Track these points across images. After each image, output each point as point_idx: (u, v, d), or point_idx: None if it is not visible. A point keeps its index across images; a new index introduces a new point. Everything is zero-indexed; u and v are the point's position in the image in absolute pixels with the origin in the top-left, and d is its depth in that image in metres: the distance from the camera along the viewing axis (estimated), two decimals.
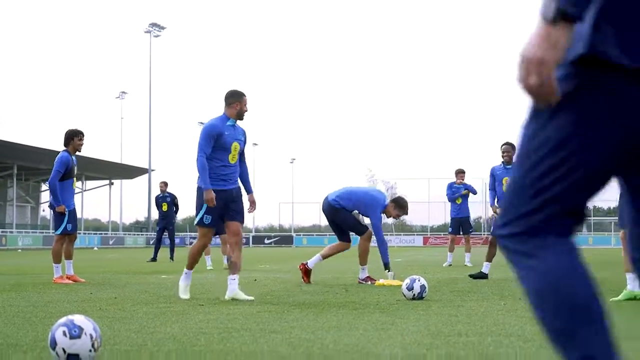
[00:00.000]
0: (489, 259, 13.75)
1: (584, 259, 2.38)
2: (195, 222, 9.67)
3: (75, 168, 12.99)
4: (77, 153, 12.96)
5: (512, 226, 2.36)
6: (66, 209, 12.90)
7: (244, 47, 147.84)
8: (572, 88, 2.17)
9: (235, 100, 9.22)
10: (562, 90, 2.16)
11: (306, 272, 12.35)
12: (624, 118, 2.18)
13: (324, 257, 12.62)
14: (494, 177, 14.18)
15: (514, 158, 2.43)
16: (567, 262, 2.30)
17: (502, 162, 14.05)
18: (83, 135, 12.90)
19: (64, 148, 12.85)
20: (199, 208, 9.43)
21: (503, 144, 14.12)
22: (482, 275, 13.49)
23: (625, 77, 2.13)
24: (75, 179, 13.05)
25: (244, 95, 9.27)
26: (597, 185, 2.34)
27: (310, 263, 12.49)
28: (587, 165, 2.25)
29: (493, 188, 14.27)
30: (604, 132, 2.20)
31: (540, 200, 2.30)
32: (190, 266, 9.85)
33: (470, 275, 13.62)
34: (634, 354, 4.97)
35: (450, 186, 20.64)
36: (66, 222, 12.96)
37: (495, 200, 14.38)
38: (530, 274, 2.32)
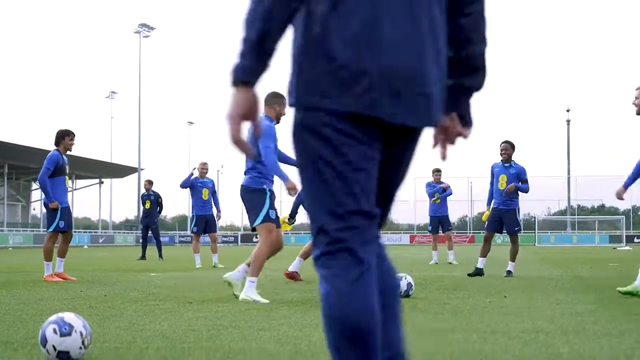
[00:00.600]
0: (484, 254, 13.98)
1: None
2: (258, 221, 9.08)
3: (67, 167, 13.05)
4: (68, 152, 13.03)
5: None
6: (59, 206, 12.93)
7: (233, 47, 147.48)
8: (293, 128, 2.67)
9: (277, 102, 9.13)
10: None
11: (292, 276, 12.39)
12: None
13: (304, 256, 12.60)
14: (493, 174, 14.28)
15: None
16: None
17: (501, 160, 14.15)
18: (74, 136, 13.01)
19: (55, 147, 12.95)
20: (257, 207, 9.10)
21: (502, 142, 14.28)
22: (478, 272, 13.70)
23: (324, 117, 2.57)
24: (67, 177, 13.09)
25: (285, 98, 9.15)
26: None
27: (292, 268, 12.52)
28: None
29: (492, 184, 14.34)
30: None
31: None
32: (257, 272, 9.05)
33: (469, 274, 13.73)
34: (610, 350, 5.06)
35: (429, 184, 20.96)
36: (58, 219, 12.95)
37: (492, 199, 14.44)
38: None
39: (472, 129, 2.90)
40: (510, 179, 14.02)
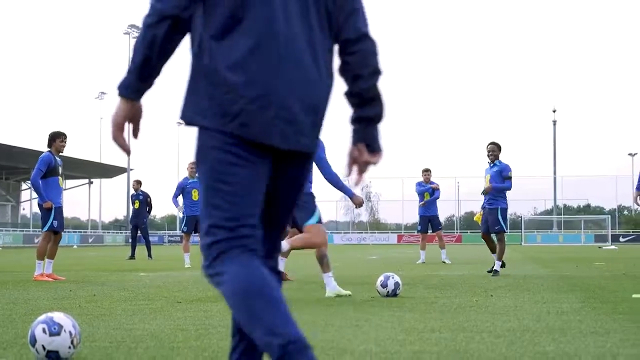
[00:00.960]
0: (492, 251, 14.42)
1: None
2: (313, 220, 9.44)
3: (60, 167, 13.17)
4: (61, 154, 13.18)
5: None
6: (53, 205, 13.00)
7: None
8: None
9: None
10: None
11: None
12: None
13: (285, 255, 12.58)
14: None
15: None
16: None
17: (489, 161, 14.25)
18: (65, 137, 13.18)
19: (48, 149, 13.12)
20: (312, 209, 9.52)
21: (488, 144, 14.38)
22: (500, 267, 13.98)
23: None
24: (60, 177, 13.19)
25: None
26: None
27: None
28: None
29: None
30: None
31: None
32: (328, 268, 9.50)
33: (488, 271, 14.17)
34: (596, 349, 5.11)
35: (419, 184, 21.10)
36: (52, 219, 13.01)
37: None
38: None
39: (382, 154, 3.16)
40: (494, 177, 14.13)
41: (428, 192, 20.87)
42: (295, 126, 2.94)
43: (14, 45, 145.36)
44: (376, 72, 3.08)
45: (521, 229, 71.78)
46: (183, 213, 19.18)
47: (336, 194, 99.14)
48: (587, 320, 6.66)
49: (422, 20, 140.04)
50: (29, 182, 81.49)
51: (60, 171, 13.17)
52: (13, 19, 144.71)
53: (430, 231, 21.16)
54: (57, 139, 13.09)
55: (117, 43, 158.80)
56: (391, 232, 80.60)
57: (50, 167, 12.94)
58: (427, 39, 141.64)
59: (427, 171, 21.18)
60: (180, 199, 19.10)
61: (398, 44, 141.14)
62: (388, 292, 9.07)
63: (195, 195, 18.85)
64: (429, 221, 20.94)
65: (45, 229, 13.10)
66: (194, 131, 2.99)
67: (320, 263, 9.56)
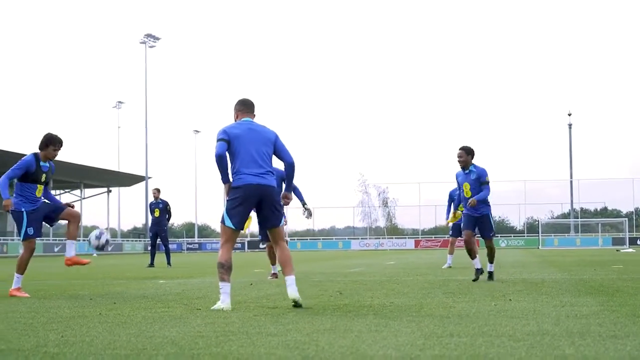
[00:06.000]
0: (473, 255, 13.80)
1: None
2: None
3: (44, 175, 11.65)
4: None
5: None
6: (24, 212, 11.53)
7: (237, 56, 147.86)
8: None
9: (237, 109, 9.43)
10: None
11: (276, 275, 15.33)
12: None
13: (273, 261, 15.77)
14: (458, 182, 13.99)
15: None
16: None
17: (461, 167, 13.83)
18: (61, 145, 11.77)
19: (34, 152, 11.67)
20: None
21: (459, 149, 13.78)
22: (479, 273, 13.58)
23: None
24: (40, 186, 11.63)
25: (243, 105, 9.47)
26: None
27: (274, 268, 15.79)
28: None
29: (454, 194, 14.14)
30: None
31: None
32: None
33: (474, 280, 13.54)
34: (615, 352, 5.11)
35: (452, 191, 20.60)
36: (26, 226, 11.54)
37: (452, 205, 14.35)
38: None
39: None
40: (473, 185, 13.57)
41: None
42: None
43: (32, 55, 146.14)
44: None
45: (538, 233, 71.54)
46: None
47: (355, 200, 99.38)
48: (606, 324, 6.65)
49: (442, 26, 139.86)
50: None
51: (44, 179, 11.64)
52: (31, 29, 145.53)
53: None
54: (51, 145, 11.62)
55: (134, 52, 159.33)
56: (408, 238, 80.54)
57: (30, 172, 11.48)
58: (442, 44, 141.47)
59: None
60: None
61: (414, 48, 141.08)
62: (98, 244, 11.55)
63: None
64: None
65: (22, 238, 11.64)
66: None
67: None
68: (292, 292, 8.67)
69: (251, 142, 8.86)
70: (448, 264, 20.31)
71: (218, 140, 8.86)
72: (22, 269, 11.65)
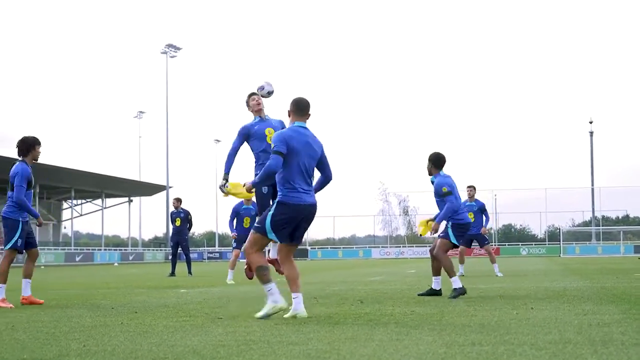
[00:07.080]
0: (437, 272, 12.31)
1: None
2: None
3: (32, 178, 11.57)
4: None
5: None
6: (21, 221, 11.41)
7: (257, 66, 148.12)
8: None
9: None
10: None
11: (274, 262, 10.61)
12: None
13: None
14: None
15: None
16: None
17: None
18: (41, 143, 11.62)
19: (21, 158, 11.50)
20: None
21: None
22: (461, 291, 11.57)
23: None
24: (31, 191, 11.60)
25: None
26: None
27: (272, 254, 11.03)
28: None
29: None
30: None
31: None
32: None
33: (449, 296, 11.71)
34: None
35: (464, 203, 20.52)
36: (17, 237, 11.37)
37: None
38: None
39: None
40: (435, 198, 12.34)
41: (472, 212, 20.31)
42: None
43: (54, 66, 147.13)
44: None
45: (560, 241, 71.22)
46: (236, 232, 19.68)
47: (375, 209, 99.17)
48: (629, 332, 6.61)
49: (465, 35, 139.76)
50: (70, 201, 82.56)
51: (32, 183, 11.55)
52: (54, 40, 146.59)
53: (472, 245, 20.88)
54: (36, 145, 11.47)
55: (155, 63, 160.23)
56: (429, 246, 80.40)
57: (29, 181, 11.41)
58: (464, 52, 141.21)
59: (469, 187, 20.86)
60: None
61: (433, 57, 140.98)
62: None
63: (246, 222, 19.62)
64: (473, 238, 20.42)
65: (8, 246, 11.37)
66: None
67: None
68: (302, 310, 8.58)
69: (305, 157, 8.51)
70: (460, 272, 20.22)
71: (275, 151, 8.33)
72: (3, 277, 11.42)
